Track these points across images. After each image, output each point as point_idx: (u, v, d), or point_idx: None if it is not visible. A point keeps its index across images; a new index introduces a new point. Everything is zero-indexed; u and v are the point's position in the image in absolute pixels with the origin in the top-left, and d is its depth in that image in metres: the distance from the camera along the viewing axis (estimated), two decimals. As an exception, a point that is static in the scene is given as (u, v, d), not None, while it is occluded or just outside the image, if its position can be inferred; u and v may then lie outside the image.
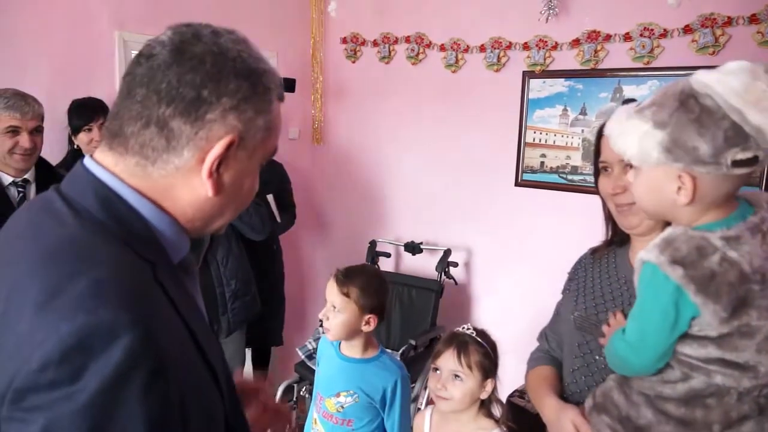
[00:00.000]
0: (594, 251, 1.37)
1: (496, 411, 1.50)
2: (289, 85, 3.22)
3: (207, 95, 0.70)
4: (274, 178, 3.13)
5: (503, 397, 2.70)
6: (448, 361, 1.46)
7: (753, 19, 2.41)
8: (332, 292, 1.63)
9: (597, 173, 1.26)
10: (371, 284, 1.63)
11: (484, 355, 1.46)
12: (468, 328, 1.53)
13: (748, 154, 0.85)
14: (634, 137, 0.92)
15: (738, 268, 0.87)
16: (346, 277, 1.63)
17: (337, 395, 1.67)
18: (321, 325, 3.02)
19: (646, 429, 0.98)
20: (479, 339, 1.49)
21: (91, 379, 0.57)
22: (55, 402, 0.57)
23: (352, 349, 1.70)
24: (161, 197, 0.74)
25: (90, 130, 2.42)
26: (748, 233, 0.90)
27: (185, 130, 0.71)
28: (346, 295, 1.58)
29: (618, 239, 1.29)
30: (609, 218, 1.29)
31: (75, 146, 2.49)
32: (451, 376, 1.44)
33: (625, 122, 0.96)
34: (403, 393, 1.67)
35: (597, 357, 1.20)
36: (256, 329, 3.00)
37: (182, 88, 0.70)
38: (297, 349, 2.95)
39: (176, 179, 0.73)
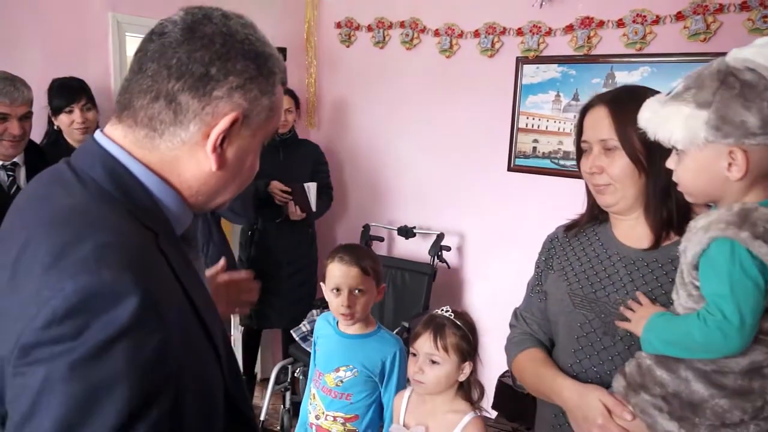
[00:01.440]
0: (568, 228, 1.36)
1: (475, 393, 1.47)
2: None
3: (215, 72, 0.73)
4: (311, 158, 3.17)
5: (494, 377, 2.77)
6: (424, 344, 1.43)
7: (744, 6, 2.44)
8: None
9: (579, 153, 1.27)
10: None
11: (462, 337, 1.43)
12: (446, 311, 1.50)
13: None
14: (678, 121, 0.93)
15: None
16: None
17: (337, 370, 1.70)
18: (315, 308, 3.08)
19: (699, 403, 0.97)
20: (457, 321, 1.46)
21: (92, 335, 0.60)
22: (57, 355, 0.60)
23: (351, 327, 1.73)
24: (168, 170, 0.77)
25: (71, 111, 2.37)
26: None
27: (192, 105, 0.74)
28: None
29: (602, 217, 1.30)
30: (592, 197, 1.29)
31: (55, 127, 2.43)
32: (427, 360, 1.42)
33: (661, 110, 0.97)
34: (401, 366, 1.70)
35: (601, 336, 1.18)
36: (289, 311, 3.08)
37: (192, 65, 0.73)
38: (291, 332, 2.98)
39: (182, 152, 0.76)
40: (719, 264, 0.92)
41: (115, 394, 0.61)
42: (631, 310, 1.11)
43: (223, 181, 0.81)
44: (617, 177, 1.16)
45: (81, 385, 0.60)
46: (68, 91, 2.38)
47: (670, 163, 1.03)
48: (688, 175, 0.99)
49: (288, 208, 3.01)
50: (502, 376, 2.63)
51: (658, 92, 1.13)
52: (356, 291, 1.67)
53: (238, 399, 0.83)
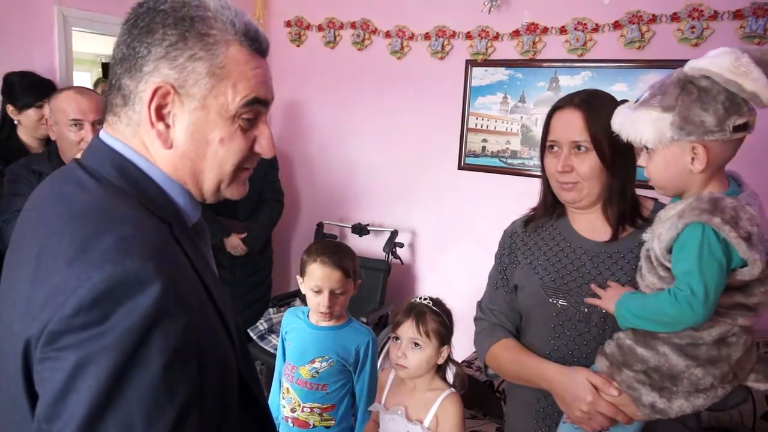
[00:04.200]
0: (526, 223, 1.42)
1: (450, 376, 1.58)
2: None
3: (140, 49, 0.75)
4: (261, 165, 3.12)
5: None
6: (407, 330, 1.52)
7: (674, 18, 2.65)
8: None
9: (543, 150, 1.35)
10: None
11: (441, 323, 1.54)
12: (425, 299, 1.59)
13: (744, 119, 1.03)
14: (647, 124, 1.07)
15: (760, 228, 1.04)
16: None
17: (312, 362, 1.74)
18: (271, 306, 3.08)
19: (678, 374, 1.09)
20: (435, 308, 1.56)
21: (118, 321, 0.63)
22: (85, 341, 0.62)
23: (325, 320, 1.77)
24: (148, 155, 0.79)
25: (41, 106, 2.31)
26: (752, 200, 1.08)
27: (130, 85, 0.76)
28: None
29: (559, 211, 1.39)
30: (548, 192, 1.37)
31: (15, 121, 2.37)
32: (410, 344, 1.51)
33: (632, 115, 1.10)
34: (373, 355, 1.77)
35: (576, 323, 1.28)
36: (244, 314, 3.08)
37: (124, 48, 0.76)
38: (248, 331, 2.98)
39: (142, 135, 0.79)
40: (691, 245, 1.04)
41: (142, 376, 0.64)
42: (603, 290, 1.23)
43: (189, 161, 0.79)
44: (586, 176, 1.26)
45: (110, 370, 0.62)
46: (40, 88, 2.35)
47: (641, 161, 1.15)
48: (658, 170, 1.12)
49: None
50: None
51: (619, 99, 1.25)
52: (337, 292, 1.72)
53: (251, 383, 0.85)
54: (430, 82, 3.28)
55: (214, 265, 0.93)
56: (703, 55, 1.05)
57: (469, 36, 3.14)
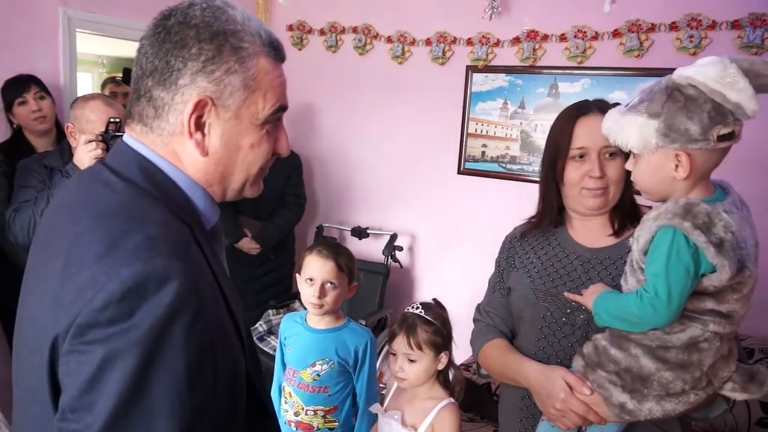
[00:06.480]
0: (526, 230, 1.45)
1: (450, 375, 1.56)
2: None
3: (174, 62, 0.77)
4: (287, 166, 3.15)
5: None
6: (400, 345, 1.52)
7: (673, 27, 2.69)
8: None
9: (560, 160, 1.32)
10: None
11: (434, 332, 1.50)
12: (417, 308, 1.55)
13: (728, 129, 1.03)
14: (634, 129, 1.08)
15: (736, 236, 1.04)
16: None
17: (313, 365, 1.76)
18: (270, 308, 3.09)
19: (647, 376, 1.11)
20: (428, 317, 1.51)
21: (144, 316, 0.65)
22: (112, 336, 0.65)
23: (322, 322, 1.80)
24: (177, 161, 0.82)
25: (25, 102, 2.34)
26: (733, 207, 1.08)
27: (164, 97, 0.79)
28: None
29: (557, 221, 1.41)
30: (548, 202, 1.38)
31: (14, 126, 2.41)
32: (405, 359, 1.51)
33: (621, 120, 1.11)
34: (372, 355, 1.79)
35: (562, 325, 1.31)
36: (248, 313, 3.07)
37: (155, 60, 0.78)
38: (248, 332, 2.99)
39: (175, 144, 0.81)
40: (660, 248, 1.06)
41: (166, 372, 0.66)
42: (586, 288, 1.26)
43: (222, 166, 0.83)
44: (616, 180, 1.28)
45: (136, 365, 0.65)
46: (17, 83, 2.36)
47: (628, 165, 1.17)
48: (643, 175, 1.14)
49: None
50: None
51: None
52: (329, 284, 1.74)
53: (258, 386, 0.87)
54: (431, 88, 3.31)
55: (227, 268, 0.96)
56: (693, 63, 1.05)
57: (469, 42, 3.17)
